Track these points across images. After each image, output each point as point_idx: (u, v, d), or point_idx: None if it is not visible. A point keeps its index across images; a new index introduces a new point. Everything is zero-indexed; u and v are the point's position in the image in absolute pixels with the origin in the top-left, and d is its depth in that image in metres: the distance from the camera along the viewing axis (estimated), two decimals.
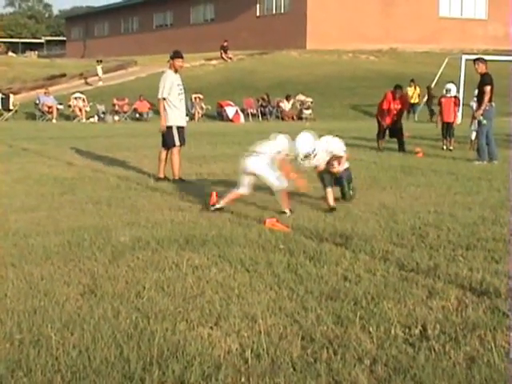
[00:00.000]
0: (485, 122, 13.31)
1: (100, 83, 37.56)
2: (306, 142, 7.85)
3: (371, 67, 43.00)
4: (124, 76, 40.52)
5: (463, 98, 22.49)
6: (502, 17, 52.04)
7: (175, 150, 10.72)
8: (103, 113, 30.65)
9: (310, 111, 32.86)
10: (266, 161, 7.87)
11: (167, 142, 10.80)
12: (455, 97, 16.86)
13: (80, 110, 30.38)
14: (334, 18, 48.08)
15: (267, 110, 32.80)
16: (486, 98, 13.13)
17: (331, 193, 8.20)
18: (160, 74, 11.18)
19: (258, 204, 8.35)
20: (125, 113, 31.19)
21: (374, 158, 14.00)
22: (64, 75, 39.01)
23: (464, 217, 7.69)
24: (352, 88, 37.38)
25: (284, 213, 7.80)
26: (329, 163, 8.15)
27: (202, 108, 31.61)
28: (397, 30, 49.55)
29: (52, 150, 15.96)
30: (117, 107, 31.18)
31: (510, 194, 9.23)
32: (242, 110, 32.04)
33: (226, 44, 45.84)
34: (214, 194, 8.28)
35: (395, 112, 16.26)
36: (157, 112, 12.61)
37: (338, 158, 8.19)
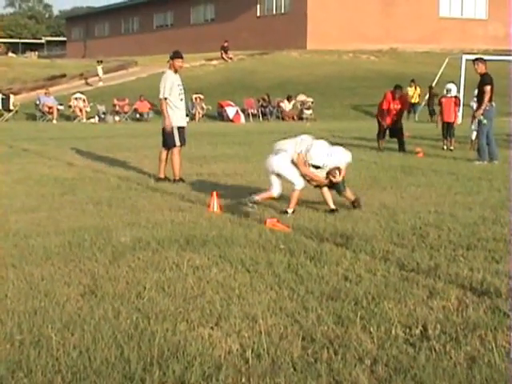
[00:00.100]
0: (485, 121, 13.30)
1: (100, 83, 37.57)
2: (320, 154, 7.82)
3: (371, 67, 43.00)
4: (124, 76, 40.53)
5: (463, 98, 22.49)
6: (502, 17, 52.03)
7: (176, 151, 10.72)
8: (104, 113, 30.66)
9: (310, 111, 32.86)
10: (288, 159, 7.84)
11: (168, 143, 10.79)
12: (455, 97, 16.86)
13: (80, 110, 30.40)
14: (335, 18, 48.08)
15: (268, 110, 32.81)
16: (486, 98, 13.13)
17: (329, 193, 8.16)
18: (160, 74, 11.17)
19: (258, 204, 8.34)
20: (125, 113, 31.20)
21: (375, 158, 14.00)
22: (64, 76, 39.03)
23: (464, 217, 7.68)
24: (352, 88, 37.39)
25: (286, 212, 7.80)
26: (330, 173, 8.02)
27: (202, 108, 31.61)
28: (397, 30, 49.55)
29: (52, 150, 15.96)
30: (117, 107, 31.19)
31: (511, 194, 9.22)
32: (243, 111, 32.05)
33: (226, 44, 45.83)
34: (215, 194, 8.27)
35: (395, 112, 16.26)
36: (157, 112, 12.62)
37: (339, 169, 8.08)
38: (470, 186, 10.26)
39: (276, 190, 7.89)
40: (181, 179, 10.64)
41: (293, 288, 4.97)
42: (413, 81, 32.25)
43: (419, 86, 32.14)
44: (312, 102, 33.46)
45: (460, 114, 20.41)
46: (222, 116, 31.58)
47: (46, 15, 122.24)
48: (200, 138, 18.44)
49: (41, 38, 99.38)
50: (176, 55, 10.79)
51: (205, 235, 6.68)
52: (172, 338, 4.00)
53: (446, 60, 30.97)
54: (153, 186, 10.25)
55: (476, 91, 14.18)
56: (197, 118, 30.85)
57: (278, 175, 7.90)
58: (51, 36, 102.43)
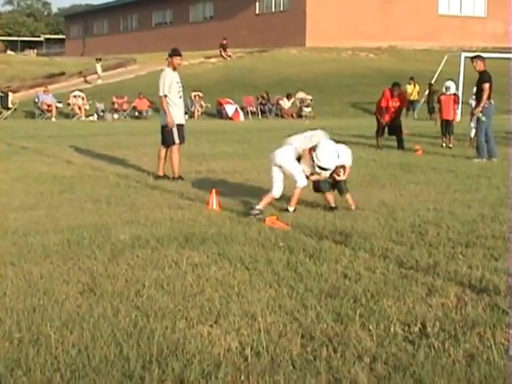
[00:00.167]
0: (484, 119, 13.31)
1: (99, 81, 37.54)
2: (329, 157, 7.63)
3: (370, 65, 43.00)
4: (123, 74, 40.50)
5: (462, 96, 22.48)
6: (501, 14, 52.01)
7: (175, 148, 10.72)
8: (102, 111, 30.64)
9: (309, 109, 32.85)
10: (292, 152, 7.75)
11: (167, 140, 10.79)
12: (454, 94, 16.86)
13: (79, 108, 30.39)
14: (334, 16, 48.06)
15: (267, 107, 32.81)
16: (485, 95, 13.14)
17: (331, 194, 8.14)
18: (159, 72, 11.17)
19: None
20: (124, 111, 31.18)
21: (374, 156, 14.00)
22: (63, 73, 38.99)
23: (463, 214, 7.69)
24: (351, 85, 37.39)
25: (287, 210, 7.79)
26: (334, 171, 7.91)
27: (201, 106, 31.60)
28: (396, 28, 49.53)
29: (51, 148, 15.95)
30: (116, 105, 31.18)
31: (510, 191, 9.23)
32: (242, 108, 32.04)
33: (225, 42, 45.81)
34: (214, 191, 8.27)
35: (394, 109, 16.26)
36: (156, 110, 12.60)
37: (344, 168, 7.99)
38: (468, 183, 10.26)
39: (277, 191, 7.82)
40: (180, 177, 10.64)
41: (292, 286, 4.97)
42: (412, 78, 32.26)
43: (418, 83, 32.14)
44: (311, 100, 33.45)
45: (459, 112, 20.41)
46: (221, 114, 31.57)
47: (45, 13, 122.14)
48: (199, 135, 18.44)
49: (39, 36, 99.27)
50: (174, 53, 10.78)
51: (204, 233, 6.68)
52: (171, 335, 4.00)
53: (445, 57, 30.96)
54: (152, 183, 10.25)
55: (474, 89, 14.18)
56: (196, 116, 30.84)
57: (281, 170, 7.81)
58: (50, 34, 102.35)
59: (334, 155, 7.66)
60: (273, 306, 4.51)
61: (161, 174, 10.79)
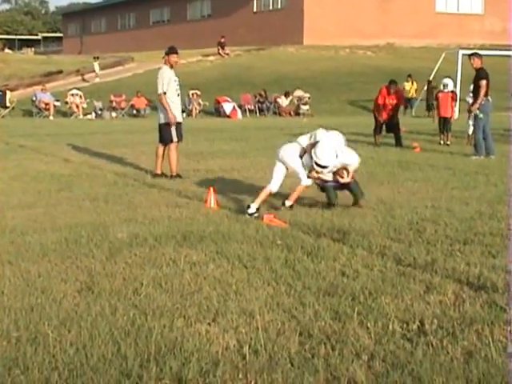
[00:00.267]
0: (481, 115, 13.32)
1: (97, 79, 37.51)
2: (327, 153, 7.48)
3: (368, 62, 42.98)
4: (121, 72, 40.46)
5: (460, 93, 22.48)
6: (498, 11, 51.99)
7: (173, 146, 10.71)
8: (100, 109, 30.61)
9: (307, 107, 32.84)
10: (297, 150, 7.70)
11: (164, 138, 10.78)
12: (452, 92, 16.86)
13: (77, 106, 30.36)
14: (331, 14, 48.01)
15: (264, 105, 32.79)
16: (482, 92, 13.14)
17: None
18: (157, 70, 11.16)
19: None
20: (122, 109, 31.15)
21: (372, 154, 13.98)
22: (61, 72, 38.93)
23: (461, 211, 7.69)
24: (349, 83, 37.37)
25: (283, 204, 7.78)
26: (337, 173, 7.84)
27: (199, 104, 31.58)
28: (394, 26, 49.49)
29: (49, 146, 15.94)
30: (114, 104, 31.14)
31: (508, 188, 9.23)
32: (240, 106, 32.03)
33: (223, 40, 45.76)
34: (212, 189, 8.26)
35: (391, 107, 16.27)
36: (154, 108, 12.59)
37: (347, 170, 7.87)
38: (466, 180, 10.27)
39: (274, 185, 7.81)
40: (178, 175, 10.63)
41: (290, 284, 4.97)
42: (410, 76, 32.25)
43: (416, 80, 32.13)
44: (309, 98, 33.45)
45: (457, 109, 20.41)
46: (218, 112, 31.56)
47: (43, 11, 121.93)
48: (197, 133, 18.43)
49: (37, 34, 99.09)
50: (171, 51, 10.78)
51: (202, 231, 6.67)
52: (169, 334, 4.00)
53: (443, 55, 30.94)
54: (150, 182, 10.25)
55: (471, 86, 14.20)
56: (194, 114, 30.82)
57: (285, 166, 7.77)
58: (47, 32, 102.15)
59: (331, 153, 7.51)
60: (271, 304, 4.51)
61: (159, 172, 10.78)
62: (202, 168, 11.79)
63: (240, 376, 3.49)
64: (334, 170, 7.79)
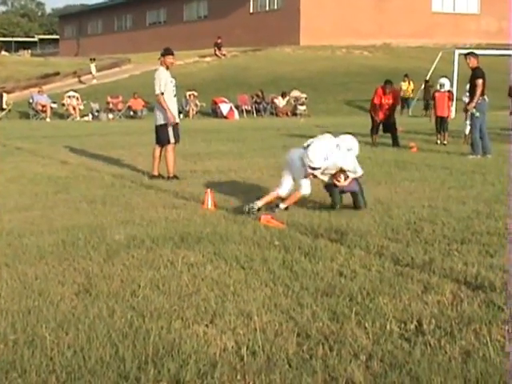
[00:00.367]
0: (477, 114, 13.34)
1: (94, 81, 37.48)
2: (317, 156, 7.47)
3: (365, 62, 43.00)
4: (118, 74, 40.44)
5: (457, 93, 22.50)
6: (494, 11, 52.08)
7: (170, 148, 10.70)
8: (97, 111, 30.57)
9: (304, 107, 32.85)
10: (302, 157, 7.66)
11: (161, 139, 10.78)
12: (449, 91, 16.87)
13: (74, 108, 30.31)
14: (328, 14, 48.04)
15: (261, 106, 32.79)
16: (478, 91, 13.17)
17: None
18: (153, 71, 11.15)
19: (252, 201, 8.33)
20: (119, 111, 31.13)
21: (369, 154, 13.97)
22: (58, 74, 38.90)
23: (458, 211, 7.69)
24: (346, 83, 37.39)
25: (277, 206, 7.77)
26: (334, 176, 7.78)
27: (196, 105, 31.55)
28: (390, 25, 49.54)
29: (46, 148, 15.92)
30: (111, 105, 31.11)
31: (508, 188, 9.24)
32: (237, 107, 32.02)
33: (219, 41, 45.77)
34: (209, 191, 8.25)
35: (387, 107, 16.29)
36: (151, 109, 12.58)
37: (344, 173, 7.76)
38: (463, 180, 10.28)
39: (283, 190, 7.81)
40: (175, 176, 10.63)
41: (288, 284, 4.97)
42: (406, 75, 32.27)
43: (413, 80, 32.16)
44: (306, 98, 33.46)
45: (453, 109, 20.42)
46: (215, 113, 31.55)
47: (39, 13, 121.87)
48: (194, 134, 18.42)
49: (34, 37, 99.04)
50: (167, 52, 10.79)
51: (199, 232, 6.67)
52: (167, 336, 4.00)
53: (439, 55, 30.97)
54: (147, 183, 10.24)
55: (468, 86, 14.22)
56: (191, 115, 30.81)
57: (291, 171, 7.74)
58: (44, 34, 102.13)
59: (320, 155, 7.48)
60: (268, 305, 4.51)
61: (156, 173, 10.77)
62: (199, 169, 11.78)
63: (238, 377, 3.48)
64: (332, 172, 7.75)
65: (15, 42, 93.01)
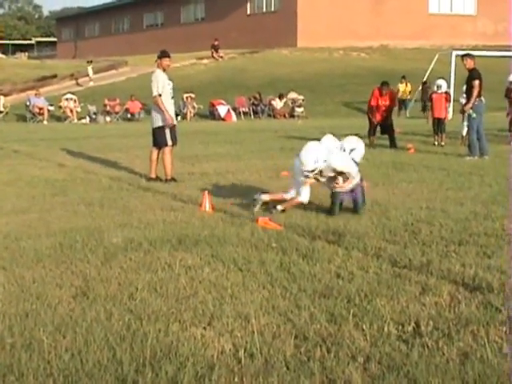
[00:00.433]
0: (474, 115, 13.35)
1: (91, 84, 37.48)
2: (308, 157, 7.44)
3: (362, 64, 43.04)
4: (115, 76, 40.45)
5: (454, 94, 22.53)
6: (490, 13, 52.18)
7: (167, 150, 10.69)
8: (94, 113, 30.57)
9: (301, 109, 32.86)
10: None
11: (159, 142, 10.77)
12: (446, 92, 16.89)
13: (71, 110, 30.30)
14: (325, 16, 48.08)
15: (259, 108, 32.80)
16: (475, 92, 13.19)
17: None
18: (150, 74, 11.14)
19: (250, 203, 8.34)
20: (116, 113, 31.11)
21: (366, 155, 13.78)
22: (55, 76, 38.89)
23: (456, 212, 7.70)
24: (343, 85, 37.42)
25: (274, 207, 7.77)
26: (332, 179, 7.71)
27: (193, 107, 31.56)
28: (387, 27, 49.58)
29: (43, 151, 15.91)
30: (108, 108, 31.10)
31: (505, 189, 9.25)
32: (234, 109, 32.03)
33: (216, 43, 45.79)
34: (206, 193, 8.25)
35: (384, 108, 16.30)
36: (149, 112, 12.57)
37: (343, 175, 7.68)
38: (461, 181, 10.28)
39: (304, 197, 7.78)
40: (172, 179, 10.62)
41: (285, 286, 4.97)
42: (403, 77, 32.29)
43: (410, 82, 32.19)
44: (303, 100, 33.47)
45: (450, 110, 20.46)
46: (213, 115, 31.55)
47: (36, 16, 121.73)
48: (191, 137, 18.42)
49: (31, 39, 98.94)
50: (163, 54, 10.79)
51: (197, 235, 6.66)
52: (164, 338, 3.99)
53: (436, 56, 31.01)
54: (144, 185, 10.23)
55: (464, 87, 14.25)
56: (188, 117, 30.81)
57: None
58: (41, 37, 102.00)
59: (311, 157, 7.45)
60: (266, 307, 4.51)
61: (153, 176, 10.77)
62: (197, 171, 11.77)
63: (236, 380, 3.48)
64: (331, 174, 7.71)
65: (12, 44, 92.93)
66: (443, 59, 29.80)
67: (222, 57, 45.52)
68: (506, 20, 51.30)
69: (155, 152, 10.83)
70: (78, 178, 11.16)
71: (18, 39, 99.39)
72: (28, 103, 30.04)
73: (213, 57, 45.43)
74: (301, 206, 8.11)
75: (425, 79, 30.51)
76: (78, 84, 37.77)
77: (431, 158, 13.54)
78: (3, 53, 75.28)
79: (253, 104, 32.86)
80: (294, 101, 33.36)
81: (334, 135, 8.33)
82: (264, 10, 52.91)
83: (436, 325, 4.17)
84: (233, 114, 31.51)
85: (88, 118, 30.34)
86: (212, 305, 4.57)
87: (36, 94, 30.51)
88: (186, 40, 55.50)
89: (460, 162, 12.98)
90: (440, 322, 4.22)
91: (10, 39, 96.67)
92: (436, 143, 16.46)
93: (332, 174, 7.70)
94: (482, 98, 13.54)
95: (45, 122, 29.31)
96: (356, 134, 8.77)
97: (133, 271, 5.44)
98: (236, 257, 5.80)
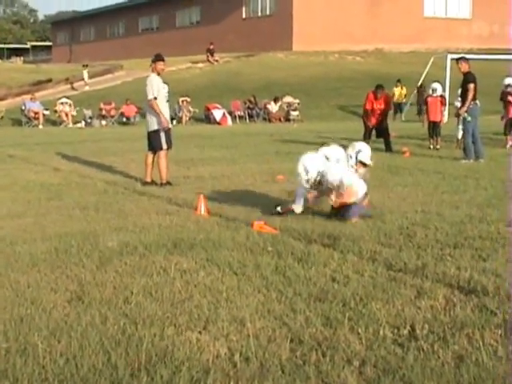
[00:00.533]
0: (469, 118, 13.38)
1: (86, 88, 37.46)
2: (300, 167, 7.41)
3: (357, 68, 43.12)
4: (110, 80, 40.43)
5: (449, 97, 22.58)
6: (485, 16, 52.33)
7: (162, 154, 10.69)
8: (90, 117, 30.55)
9: (297, 113, 32.90)
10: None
11: (154, 146, 10.77)
12: (441, 96, 16.93)
13: (66, 115, 30.28)
14: (320, 19, 48.15)
15: (254, 112, 32.81)
16: (470, 96, 13.23)
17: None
18: (146, 78, 11.14)
19: (245, 207, 8.35)
20: (112, 117, 31.10)
21: None
22: (50, 80, 38.87)
23: (451, 215, 7.71)
24: (338, 89, 37.47)
25: (276, 206, 7.77)
26: (326, 191, 7.61)
27: (189, 111, 31.56)
28: (382, 31, 49.68)
29: (38, 155, 15.89)
30: (104, 112, 31.08)
31: (500, 192, 9.27)
32: (230, 113, 32.03)
33: (212, 47, 45.82)
34: (202, 197, 8.25)
35: (379, 112, 16.30)
36: (144, 116, 12.57)
37: (337, 191, 7.53)
38: (456, 184, 10.30)
39: (297, 207, 7.71)
40: (168, 182, 10.62)
41: (281, 290, 4.96)
42: (399, 81, 32.35)
43: (405, 85, 32.24)
44: (298, 104, 33.51)
45: (446, 113, 20.49)
46: (208, 119, 31.55)
47: (31, 20, 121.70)
48: (187, 140, 18.42)
49: (26, 43, 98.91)
50: (157, 58, 10.81)
51: (192, 239, 6.66)
52: (160, 342, 3.99)
53: (432, 59, 31.08)
54: (140, 189, 10.22)
55: (459, 90, 14.28)
56: (183, 121, 30.81)
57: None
58: (36, 41, 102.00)
59: (302, 167, 7.42)
60: (262, 311, 4.50)
61: (148, 179, 10.76)
62: (192, 175, 11.77)
63: None
64: (329, 186, 7.58)
65: (7, 48, 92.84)
66: (438, 63, 29.88)
67: (217, 60, 45.55)
68: (500, 23, 51.55)
69: (150, 156, 10.83)
70: (73, 182, 11.15)
71: (14, 43, 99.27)
72: (23, 107, 30.01)
73: (208, 61, 45.46)
74: None
75: (420, 83, 30.57)
76: (73, 88, 37.76)
77: (426, 162, 13.56)
78: None
79: (248, 108, 32.88)
80: (289, 104, 33.39)
81: (341, 146, 8.24)
82: (259, 13, 52.98)
83: (431, 328, 4.17)
84: (228, 117, 31.52)
85: (83, 122, 30.31)
86: (207, 309, 4.56)
87: (31, 99, 30.48)
88: (181, 44, 55.52)
89: (455, 165, 13.00)
90: (435, 325, 4.22)
91: (5, 43, 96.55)
92: (431, 147, 16.49)
93: (329, 186, 7.57)
94: (477, 102, 13.57)
95: (40, 127, 29.29)
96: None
97: (128, 275, 5.43)
98: (231, 261, 5.80)
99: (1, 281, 5.30)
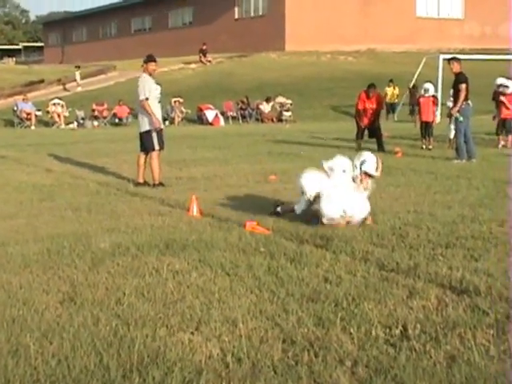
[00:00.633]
0: (461, 118, 13.42)
1: (78, 89, 37.38)
2: (301, 187, 7.42)
3: (350, 68, 43.17)
4: (103, 81, 40.37)
5: (441, 98, 22.64)
6: (477, 16, 52.47)
7: (155, 155, 10.68)
8: (82, 118, 30.47)
9: (289, 113, 32.91)
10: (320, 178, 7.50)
11: (146, 146, 10.76)
12: (433, 96, 16.98)
13: (58, 116, 30.20)
14: (313, 20, 48.18)
15: (247, 112, 32.81)
16: (462, 96, 13.27)
17: None
18: (138, 78, 11.13)
19: (238, 207, 8.35)
20: (104, 118, 31.05)
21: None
22: (42, 81, 38.78)
23: (443, 215, 7.72)
24: (331, 89, 37.49)
25: (277, 206, 7.83)
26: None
27: (181, 112, 31.53)
28: (375, 31, 49.74)
29: (31, 156, 15.84)
30: (96, 112, 31.03)
31: (493, 193, 9.30)
32: (222, 113, 32.02)
33: (204, 47, 45.80)
34: (194, 198, 8.24)
35: (371, 112, 16.33)
36: (136, 116, 12.54)
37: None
38: (448, 184, 10.32)
39: (299, 207, 7.63)
40: (160, 183, 10.60)
41: (273, 291, 4.97)
42: (391, 81, 32.41)
43: (397, 85, 32.30)
44: (291, 104, 33.52)
45: (438, 114, 20.55)
46: (201, 119, 31.53)
47: (23, 21, 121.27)
48: (179, 141, 18.40)
49: (18, 44, 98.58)
50: (149, 59, 10.80)
51: (184, 239, 6.65)
52: (152, 343, 3.98)
53: (424, 60, 31.14)
54: (132, 190, 10.20)
55: (451, 91, 14.33)
56: (176, 122, 30.77)
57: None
58: (28, 42, 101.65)
59: (299, 187, 7.45)
60: (254, 312, 4.50)
61: (141, 180, 10.75)
62: (185, 176, 11.76)
63: None
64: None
65: None
66: (430, 63, 29.92)
67: (210, 61, 45.53)
68: (492, 23, 51.70)
69: (142, 157, 10.81)
70: (65, 183, 11.12)
71: (5, 44, 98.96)
72: (15, 108, 29.92)
73: (201, 61, 45.44)
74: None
75: (412, 83, 30.61)
76: (65, 89, 37.67)
77: (419, 162, 13.59)
78: None
79: (240, 108, 32.87)
80: (282, 105, 33.41)
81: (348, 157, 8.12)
82: (252, 14, 52.98)
83: (423, 328, 4.18)
84: (221, 118, 31.51)
85: (76, 123, 30.24)
86: (199, 309, 4.56)
87: (23, 99, 30.40)
88: (174, 44, 55.45)
89: (447, 165, 13.04)
90: (427, 325, 4.23)
91: None
92: (424, 147, 16.53)
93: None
94: (469, 102, 13.61)
95: (32, 127, 29.20)
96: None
97: (120, 276, 5.42)
98: (223, 261, 5.80)
99: None
